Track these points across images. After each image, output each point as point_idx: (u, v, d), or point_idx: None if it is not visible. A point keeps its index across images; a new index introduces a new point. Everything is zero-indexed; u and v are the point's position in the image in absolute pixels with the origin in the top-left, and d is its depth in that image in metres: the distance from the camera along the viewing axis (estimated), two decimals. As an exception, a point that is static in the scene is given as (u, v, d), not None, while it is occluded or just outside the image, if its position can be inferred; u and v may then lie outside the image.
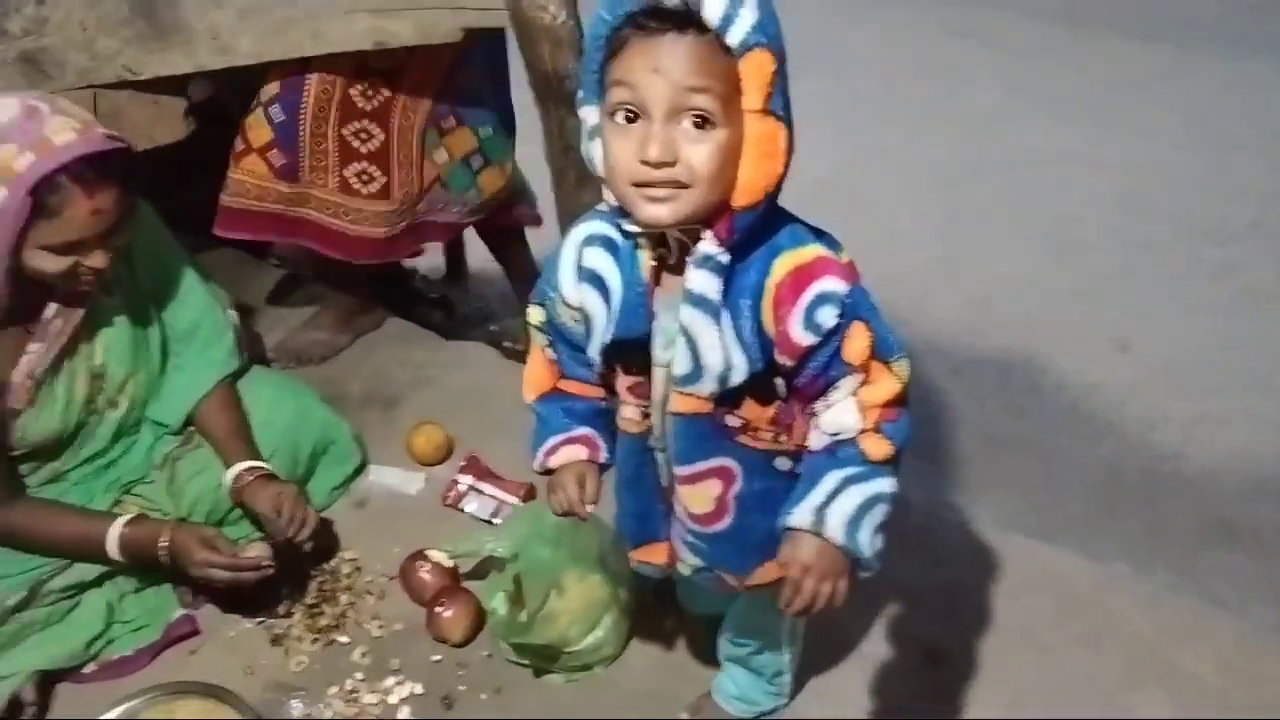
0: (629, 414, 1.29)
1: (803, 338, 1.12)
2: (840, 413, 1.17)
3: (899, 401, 1.17)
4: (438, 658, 1.79)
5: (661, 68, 1.01)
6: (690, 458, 1.27)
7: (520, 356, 2.56)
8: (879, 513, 1.19)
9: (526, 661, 1.75)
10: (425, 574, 1.85)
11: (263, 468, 1.85)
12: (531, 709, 1.72)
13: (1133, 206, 3.37)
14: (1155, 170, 3.55)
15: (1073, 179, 3.51)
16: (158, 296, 1.86)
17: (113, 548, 1.71)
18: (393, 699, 1.72)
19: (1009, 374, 2.70)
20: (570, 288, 1.24)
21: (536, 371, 1.41)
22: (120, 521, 1.71)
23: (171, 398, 1.89)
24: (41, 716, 1.71)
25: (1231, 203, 3.36)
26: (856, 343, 1.13)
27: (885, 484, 1.18)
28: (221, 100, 2.49)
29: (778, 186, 1.08)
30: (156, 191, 2.70)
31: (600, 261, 1.20)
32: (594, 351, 1.24)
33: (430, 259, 3.02)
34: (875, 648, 1.81)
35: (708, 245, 1.10)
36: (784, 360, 1.15)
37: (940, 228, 3.27)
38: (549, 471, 1.38)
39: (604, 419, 1.37)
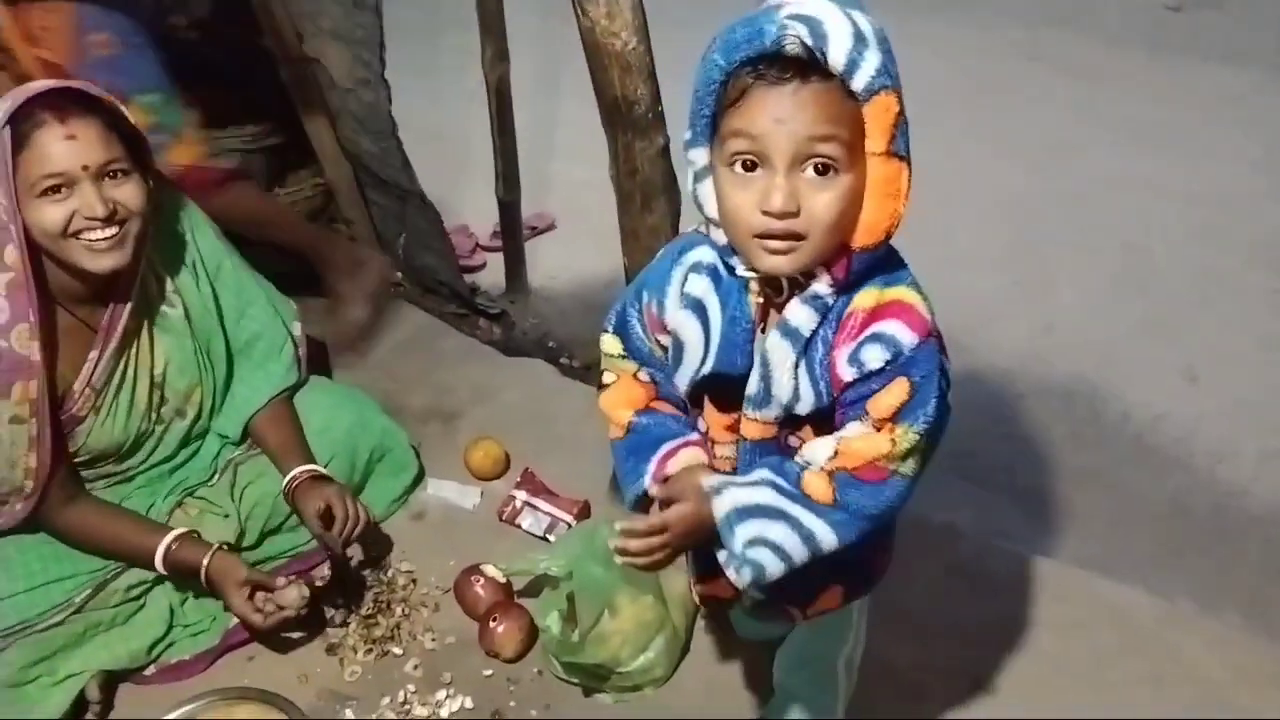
0: (720, 451, 1.26)
1: (845, 371, 1.10)
2: (818, 445, 1.14)
3: (882, 465, 1.11)
4: (489, 672, 1.81)
5: (785, 118, 0.99)
6: None
7: (577, 373, 2.59)
8: (774, 530, 1.12)
9: (577, 680, 1.76)
10: (479, 588, 1.87)
11: (317, 470, 1.88)
12: (580, 728, 1.72)
13: (1205, 236, 3.29)
14: (1229, 199, 3.46)
15: (1144, 207, 3.43)
16: (222, 305, 1.90)
17: (159, 563, 1.76)
18: (444, 712, 1.74)
19: (1073, 403, 2.64)
20: (673, 311, 1.21)
21: (629, 393, 1.32)
22: (170, 537, 1.75)
23: (230, 410, 1.94)
24: (105, 716, 1.76)
25: (1308, 233, 3.26)
26: (888, 398, 1.09)
27: (803, 515, 1.12)
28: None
29: (898, 225, 1.06)
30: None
31: (703, 290, 1.18)
32: (685, 381, 1.21)
33: (491, 275, 3.07)
34: (926, 677, 1.79)
35: (820, 285, 1.09)
36: (832, 391, 1.13)
37: (1007, 254, 3.22)
38: (665, 481, 1.24)
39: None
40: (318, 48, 2.55)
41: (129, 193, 1.61)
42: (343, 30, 2.44)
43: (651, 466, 1.25)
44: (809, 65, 0.99)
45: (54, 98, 1.56)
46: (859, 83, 0.98)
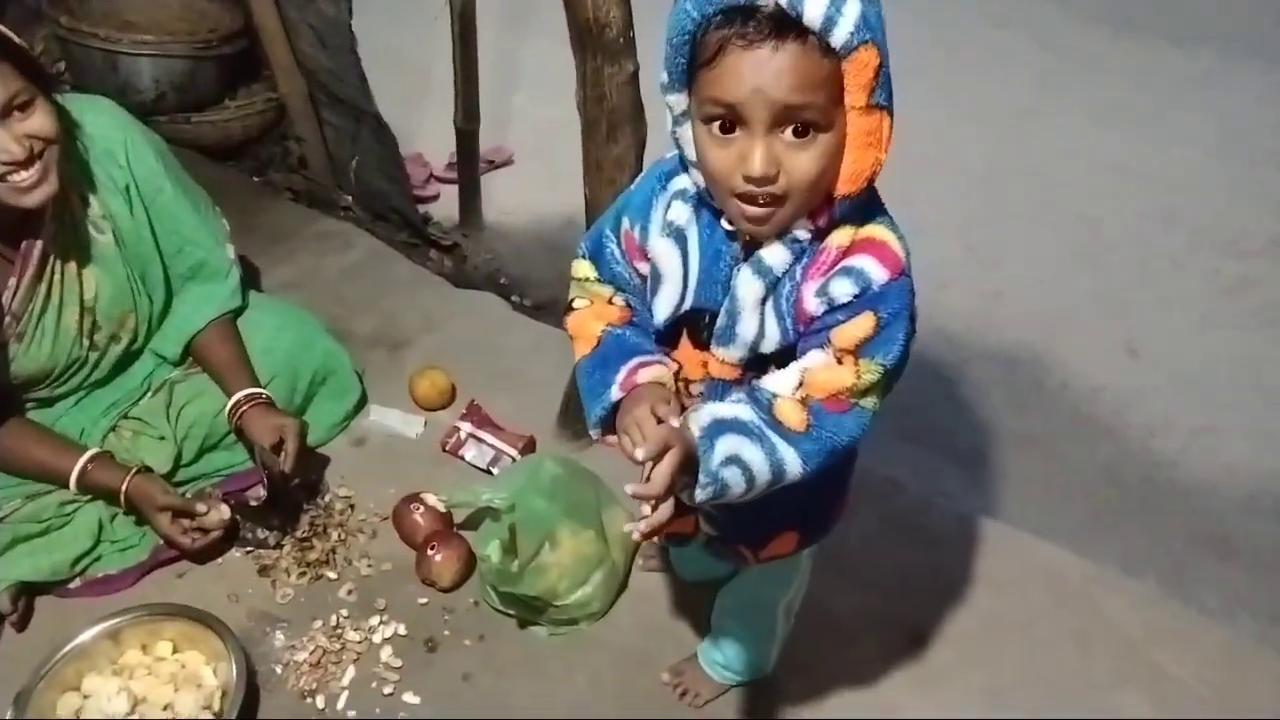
0: (695, 389, 1.23)
1: (812, 304, 1.08)
2: (782, 376, 1.11)
3: (845, 397, 1.08)
4: (424, 601, 1.79)
5: (763, 85, 0.95)
6: None
7: (527, 312, 2.56)
8: (749, 450, 1.06)
9: (513, 612, 1.75)
10: (418, 516, 1.85)
11: (263, 394, 1.84)
12: (514, 658, 1.72)
13: (1157, 214, 3.34)
14: (1183, 179, 3.51)
15: (1100, 182, 3.47)
16: (162, 234, 1.83)
17: (73, 484, 1.72)
18: (376, 638, 1.73)
19: (1016, 369, 2.68)
20: (655, 239, 1.18)
21: (602, 312, 1.27)
22: (84, 459, 1.72)
23: (169, 330, 1.89)
24: (24, 628, 1.71)
25: (1256, 217, 3.32)
26: (853, 329, 1.06)
27: (777, 441, 1.08)
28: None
29: (879, 169, 1.03)
30: (174, 116, 2.71)
31: (685, 218, 1.14)
32: (663, 313, 1.17)
33: (444, 207, 3.01)
34: (859, 625, 1.82)
35: (801, 230, 1.07)
36: (798, 326, 1.11)
37: (964, 220, 3.24)
38: (632, 390, 1.17)
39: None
40: (277, -45, 2.47)
41: (39, 122, 1.53)
42: (304, -62, 2.36)
43: (620, 375, 1.19)
44: (785, 24, 0.94)
45: None
46: (837, 39, 0.94)
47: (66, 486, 1.73)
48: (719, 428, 1.07)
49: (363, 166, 2.74)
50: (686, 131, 1.06)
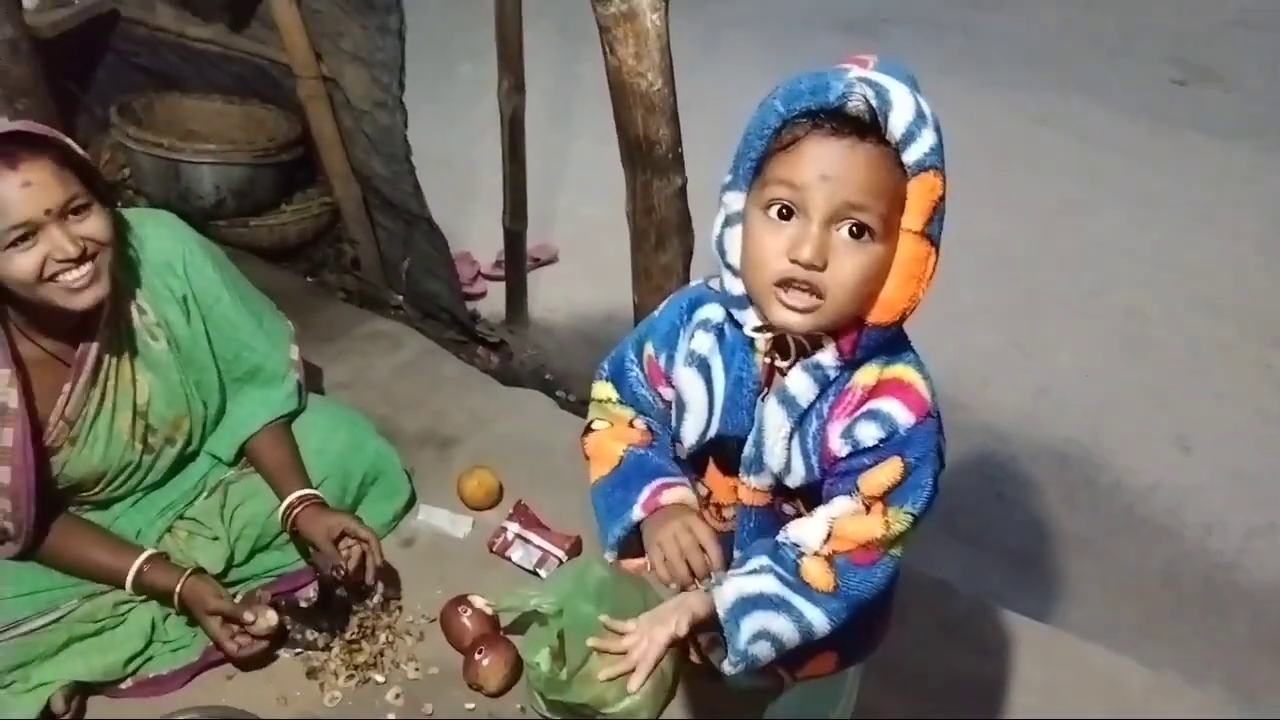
0: (728, 513, 1.24)
1: (838, 446, 1.08)
2: (809, 526, 1.11)
3: (875, 548, 1.09)
4: (471, 706, 1.78)
5: (832, 175, 0.98)
6: (749, 547, 1.23)
7: (572, 407, 2.58)
8: (777, 623, 1.10)
9: (559, 718, 1.73)
10: (466, 619, 1.85)
11: (316, 496, 1.87)
12: (561, 767, 1.69)
13: (1204, 306, 3.32)
14: (1229, 271, 3.50)
15: (1145, 274, 3.46)
16: (218, 341, 1.87)
17: (129, 585, 1.74)
18: (423, 743, 1.71)
19: (1067, 466, 2.65)
20: (679, 368, 1.19)
21: (623, 434, 1.28)
22: (140, 559, 1.74)
23: (224, 433, 1.92)
24: (76, 727, 1.72)
25: (1304, 309, 3.30)
26: (881, 475, 1.07)
27: (805, 606, 1.10)
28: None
29: (914, 309, 1.04)
30: (232, 221, 2.80)
31: (708, 349, 1.16)
32: (689, 440, 1.18)
33: (491, 303, 3.07)
34: (915, 737, 1.77)
35: (826, 356, 1.07)
36: (823, 465, 1.11)
37: (1007, 314, 3.24)
38: (655, 511, 1.19)
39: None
40: (336, 67, 2.57)
41: (94, 225, 1.57)
42: (363, 52, 2.45)
43: (644, 495, 1.19)
44: (867, 127, 0.98)
45: (10, 141, 1.50)
46: (912, 155, 0.98)
47: (122, 586, 1.75)
48: (743, 606, 1.10)
49: (414, 267, 2.81)
50: (735, 232, 1.08)
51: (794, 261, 1.00)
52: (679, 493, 1.21)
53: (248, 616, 1.74)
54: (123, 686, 1.78)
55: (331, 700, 1.78)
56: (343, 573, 1.78)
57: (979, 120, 4.26)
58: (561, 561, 2.01)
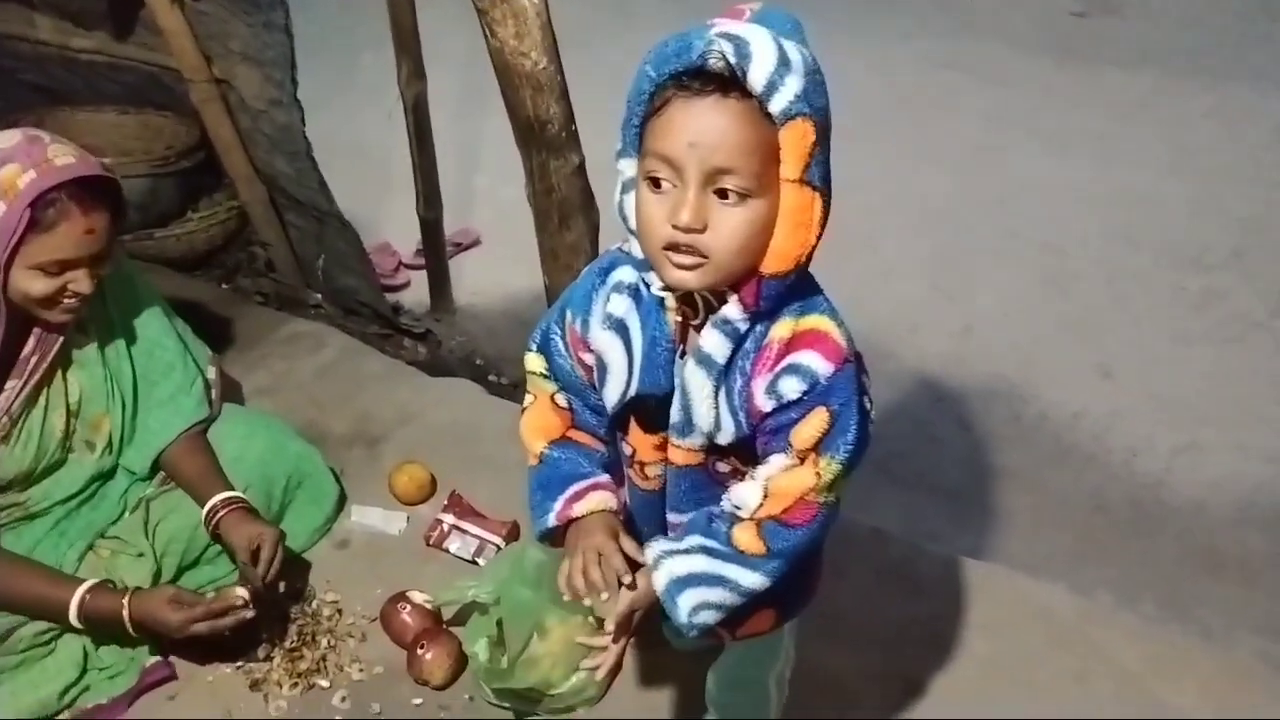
0: (651, 471, 1.27)
1: (763, 402, 1.11)
2: (747, 489, 1.16)
3: (811, 496, 1.12)
4: (419, 701, 1.77)
5: (699, 141, 0.99)
6: (683, 508, 1.27)
7: (506, 391, 2.57)
8: (715, 594, 1.17)
9: (508, 705, 1.74)
10: (406, 616, 1.84)
11: (239, 499, 1.84)
12: (513, 752, 1.70)
13: (1118, 236, 3.38)
14: (1140, 200, 3.57)
15: (1059, 210, 3.52)
16: (130, 339, 1.86)
17: (74, 617, 1.69)
18: (373, 744, 1.70)
19: (993, 404, 2.70)
20: (596, 331, 1.21)
21: (544, 419, 1.33)
22: (82, 590, 1.69)
23: (139, 445, 1.88)
24: (13, 768, 1.69)
25: (1215, 231, 3.37)
26: (809, 428, 1.10)
27: (740, 573, 1.16)
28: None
29: (810, 254, 1.06)
30: (138, 234, 2.73)
31: (625, 309, 1.17)
32: (611, 402, 1.20)
33: (415, 293, 3.03)
34: (858, 684, 1.80)
35: (731, 310, 1.08)
36: (751, 421, 1.13)
37: (927, 260, 3.28)
38: (570, 523, 1.27)
39: (616, 475, 1.33)
40: (227, 69, 2.51)
41: (107, 268, 1.68)
42: (252, 51, 2.40)
43: (558, 505, 1.27)
44: (730, 82, 0.99)
45: (82, 186, 1.58)
46: (776, 105, 0.98)
47: (61, 617, 1.70)
48: (677, 586, 1.16)
49: (329, 264, 2.77)
50: (631, 198, 1.10)
51: (675, 227, 1.02)
52: (590, 502, 1.27)
53: (209, 596, 1.71)
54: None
55: (277, 710, 1.76)
56: (264, 585, 1.76)
57: (888, 71, 4.30)
58: (499, 548, 2.00)
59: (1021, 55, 4.44)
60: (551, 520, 1.27)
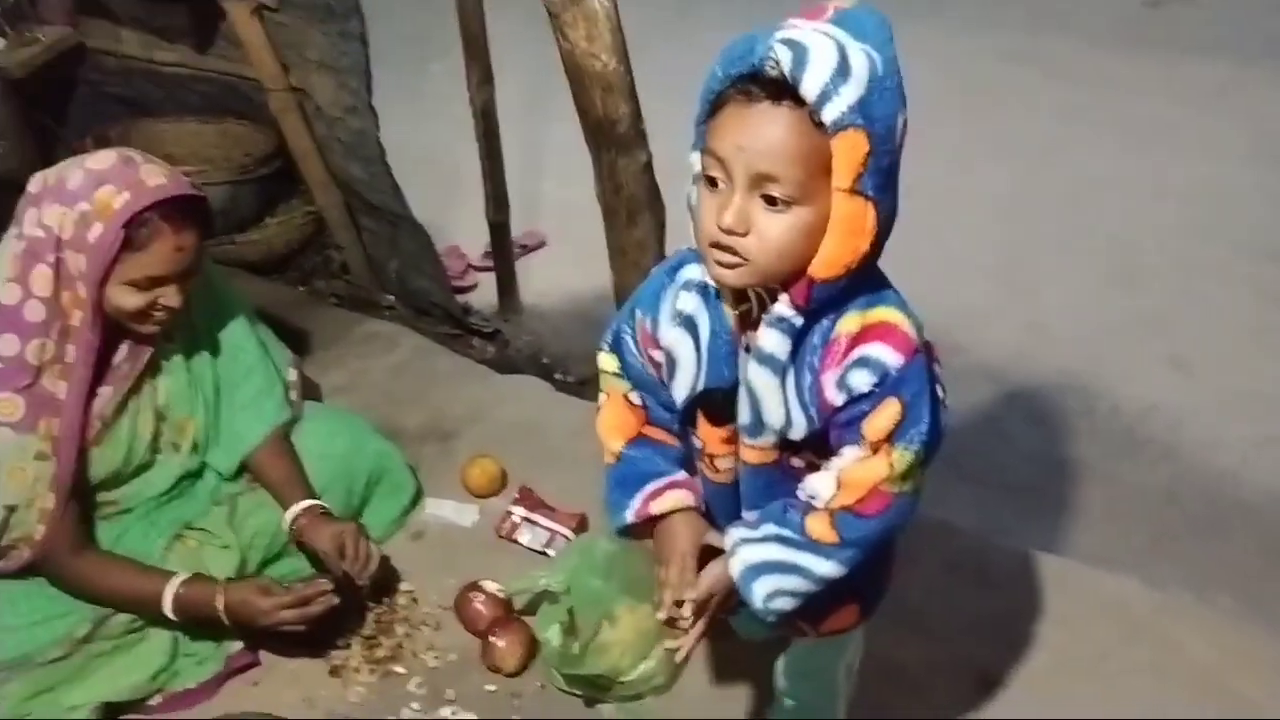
0: (721, 464, 1.30)
1: (834, 395, 1.11)
2: (821, 479, 1.17)
3: (884, 485, 1.13)
4: (492, 688, 1.82)
5: (746, 146, 1.00)
6: (760, 504, 1.27)
7: (572, 389, 2.61)
8: (789, 582, 1.19)
9: (579, 692, 1.77)
10: (479, 605, 1.88)
11: (320, 506, 1.90)
12: (584, 739, 1.73)
13: (1193, 229, 3.31)
14: (1217, 191, 3.49)
15: (1132, 204, 3.46)
16: (213, 343, 1.92)
17: (168, 608, 1.75)
18: (448, 729, 1.75)
19: (1064, 399, 2.67)
20: (666, 328, 1.23)
21: (620, 417, 1.35)
22: (176, 582, 1.75)
23: (225, 448, 1.95)
24: (108, 748, 1.76)
25: (1293, 221, 3.29)
26: (881, 419, 1.11)
27: (813, 561, 1.17)
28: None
29: (863, 261, 1.06)
30: (218, 239, 2.82)
31: (694, 306, 1.19)
32: (681, 397, 1.22)
33: (483, 294, 3.09)
34: (928, 676, 1.80)
35: (782, 308, 1.09)
36: (824, 414, 1.14)
37: (998, 255, 3.24)
38: (650, 520, 1.30)
39: (690, 469, 1.35)
40: (304, 77, 2.59)
41: (196, 282, 1.75)
42: (328, 59, 2.47)
43: (636, 503, 1.30)
44: (784, 89, 0.99)
45: (173, 206, 1.65)
46: (829, 115, 0.98)
47: (155, 610, 1.76)
48: (752, 573, 1.19)
49: (402, 267, 2.84)
50: (695, 193, 1.12)
51: (719, 226, 1.04)
52: (667, 501, 1.29)
53: (305, 586, 1.76)
54: (152, 703, 1.81)
55: (356, 696, 1.82)
56: (347, 578, 1.81)
57: (953, 65, 4.25)
58: (569, 539, 2.04)
59: (1092, 48, 4.36)
60: (629, 516, 1.30)
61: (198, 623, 1.79)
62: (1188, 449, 2.48)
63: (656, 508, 1.29)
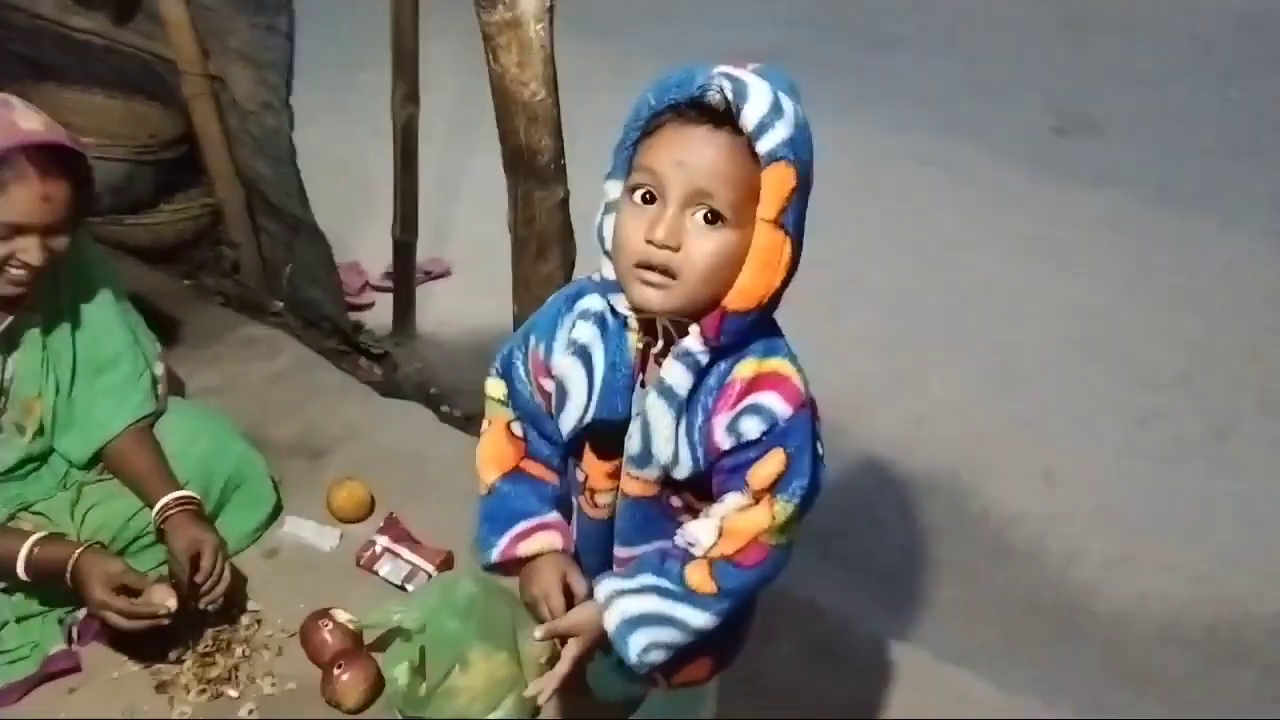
0: (601, 499, 1.28)
1: (723, 439, 1.13)
2: (702, 526, 1.18)
3: (764, 537, 1.15)
4: (328, 723, 1.73)
5: (686, 162, 1.04)
6: (633, 540, 1.27)
7: (456, 423, 2.55)
8: (665, 634, 1.18)
9: (420, 735, 1.70)
10: (327, 634, 1.80)
11: (192, 500, 1.80)
12: (418, 786, 1.66)
13: (1072, 346, 3.45)
14: (1096, 313, 3.65)
15: (1019, 312, 3.59)
16: (80, 323, 1.82)
17: (21, 567, 1.65)
18: (275, 761, 1.66)
19: (937, 494, 2.72)
20: (559, 356, 1.22)
21: (498, 449, 1.33)
22: (31, 540, 1.65)
23: (80, 434, 1.84)
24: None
25: (1166, 352, 3.45)
26: (766, 468, 1.12)
27: (690, 613, 1.18)
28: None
29: (773, 298, 1.09)
30: (107, 218, 2.70)
31: (589, 336, 1.19)
32: (568, 428, 1.20)
33: (378, 315, 3.02)
34: (776, 756, 1.79)
35: (692, 341, 1.11)
36: (709, 457, 1.15)
37: (888, 345, 3.32)
38: (515, 561, 1.28)
39: (566, 506, 1.34)
40: (223, 66, 2.51)
41: (61, 242, 1.63)
42: (252, 51, 2.41)
43: (503, 542, 1.27)
44: (724, 117, 1.04)
45: (41, 153, 1.55)
46: (764, 146, 1.03)
47: (7, 572, 1.66)
48: (628, 626, 1.17)
49: (296, 274, 2.75)
50: (611, 220, 1.13)
51: (649, 242, 1.05)
52: (536, 541, 1.27)
53: (150, 578, 1.68)
54: (-53, 698, 1.68)
55: (181, 714, 1.71)
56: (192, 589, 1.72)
57: (870, 160, 4.38)
58: (431, 576, 1.97)
59: (998, 162, 4.55)
60: (495, 556, 1.28)
61: (45, 585, 1.70)
62: (1050, 559, 2.55)
63: (524, 549, 1.27)
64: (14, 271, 1.60)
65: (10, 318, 1.70)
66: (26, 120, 1.57)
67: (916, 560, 2.51)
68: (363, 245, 3.23)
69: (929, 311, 3.55)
